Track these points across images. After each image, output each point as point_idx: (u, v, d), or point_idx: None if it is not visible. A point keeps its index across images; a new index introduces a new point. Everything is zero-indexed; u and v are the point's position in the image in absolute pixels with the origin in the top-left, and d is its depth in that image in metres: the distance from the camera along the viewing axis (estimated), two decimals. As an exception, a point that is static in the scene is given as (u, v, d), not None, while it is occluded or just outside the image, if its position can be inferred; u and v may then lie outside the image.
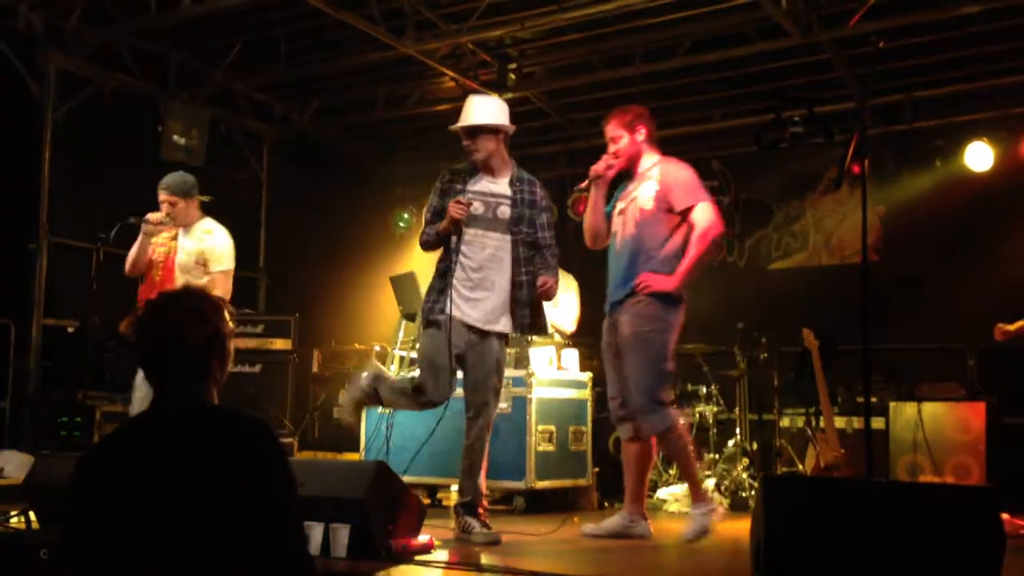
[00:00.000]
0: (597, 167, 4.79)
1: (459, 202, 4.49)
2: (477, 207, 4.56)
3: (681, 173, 4.75)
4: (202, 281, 5.18)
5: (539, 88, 8.91)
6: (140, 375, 5.08)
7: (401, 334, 6.77)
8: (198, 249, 5.27)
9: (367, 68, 8.70)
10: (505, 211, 4.58)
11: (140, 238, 5.24)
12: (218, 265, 5.26)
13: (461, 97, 9.02)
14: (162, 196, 5.28)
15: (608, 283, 4.83)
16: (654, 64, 8.17)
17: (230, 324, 2.38)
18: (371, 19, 7.51)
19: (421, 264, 9.85)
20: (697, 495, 4.72)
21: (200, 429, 2.22)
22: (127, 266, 5.31)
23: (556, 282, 4.56)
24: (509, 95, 8.73)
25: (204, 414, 2.27)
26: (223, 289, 5.22)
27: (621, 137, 4.78)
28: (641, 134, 4.79)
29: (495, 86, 8.68)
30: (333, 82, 9.16)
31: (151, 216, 5.21)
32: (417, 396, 4.59)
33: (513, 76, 8.73)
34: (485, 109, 4.63)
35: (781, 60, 8.04)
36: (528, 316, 4.60)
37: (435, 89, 9.21)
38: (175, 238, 5.29)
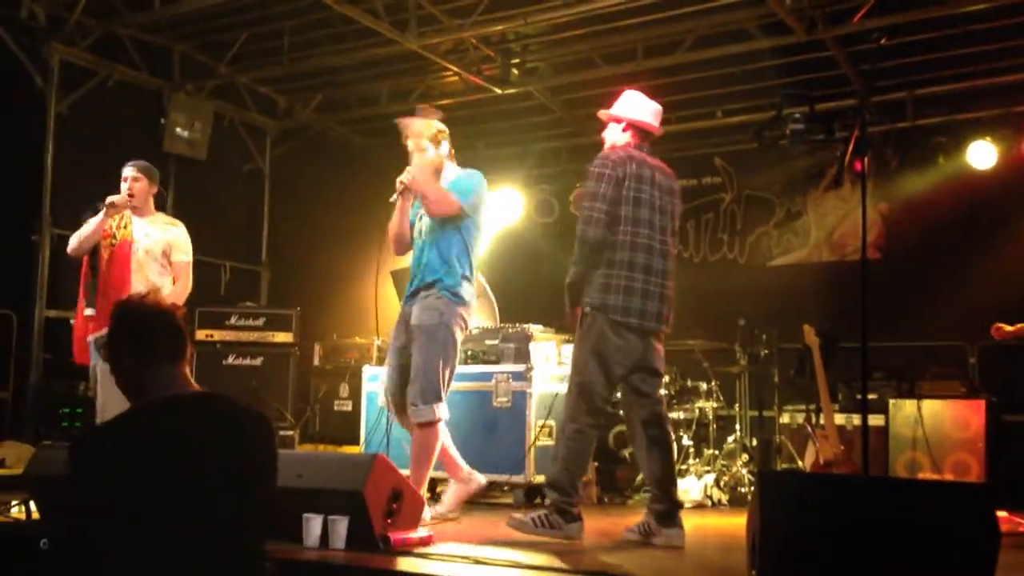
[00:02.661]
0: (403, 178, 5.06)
1: None
2: None
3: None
4: (161, 274, 5.29)
5: (542, 83, 8.90)
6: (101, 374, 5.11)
7: (402, 328, 6.76)
8: (165, 240, 5.37)
9: (370, 62, 8.71)
10: None
11: (99, 217, 5.27)
12: (183, 255, 5.41)
13: (464, 92, 9.14)
14: (129, 172, 5.38)
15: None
16: (657, 60, 8.16)
17: None
18: (374, 13, 7.52)
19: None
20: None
21: (215, 416, 2.39)
22: (74, 244, 5.34)
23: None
24: (511, 90, 8.76)
25: (215, 401, 2.42)
26: (187, 279, 5.40)
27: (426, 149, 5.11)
28: (444, 147, 5.14)
29: (498, 81, 8.69)
30: (336, 76, 9.17)
31: (115, 199, 5.27)
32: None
33: (516, 71, 8.72)
34: None
35: (784, 57, 8.04)
36: None
37: (438, 84, 9.21)
38: (126, 226, 5.32)
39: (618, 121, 4.67)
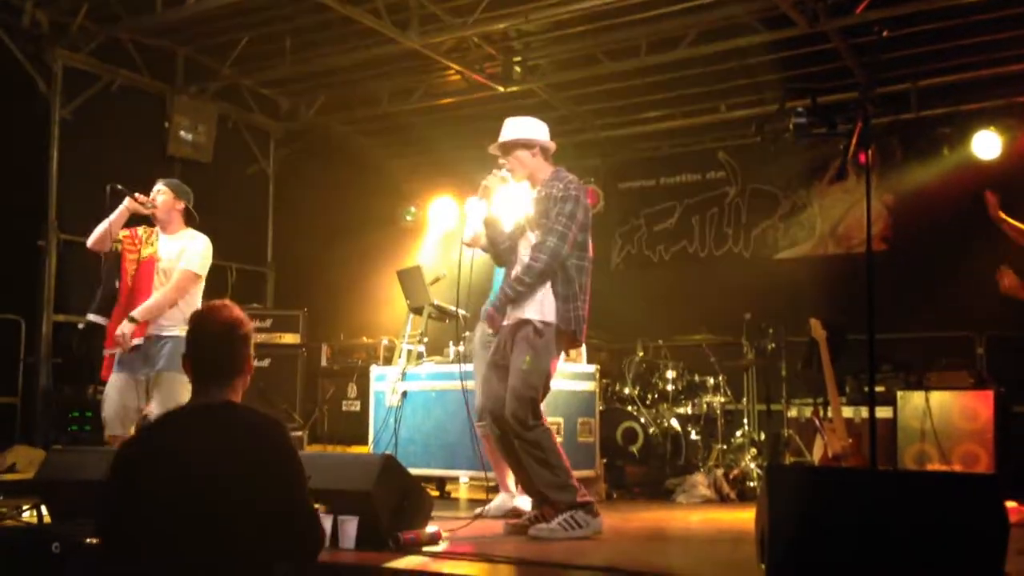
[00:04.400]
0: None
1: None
2: None
3: None
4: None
5: (544, 81, 8.90)
6: (112, 381, 5.04)
7: (408, 327, 6.79)
8: (180, 248, 5.18)
9: (373, 62, 8.71)
10: None
11: (120, 209, 5.12)
12: (188, 264, 5.08)
13: (467, 91, 9.14)
14: (156, 188, 5.29)
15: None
16: (659, 55, 8.16)
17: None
18: (376, 13, 7.52)
19: (427, 258, 9.91)
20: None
21: (229, 421, 2.63)
22: (93, 238, 5.11)
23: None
24: (514, 88, 8.76)
25: (233, 409, 2.69)
26: (180, 289, 5.03)
27: None
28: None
29: (500, 79, 8.69)
30: (339, 76, 9.18)
31: (139, 195, 5.17)
32: None
33: (518, 69, 8.73)
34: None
35: (787, 50, 8.03)
36: None
37: (441, 83, 9.22)
38: (152, 243, 5.21)
39: (529, 147, 4.54)
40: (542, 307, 4.36)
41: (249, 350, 2.81)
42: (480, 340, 5.37)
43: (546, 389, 4.43)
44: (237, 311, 2.83)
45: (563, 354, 6.42)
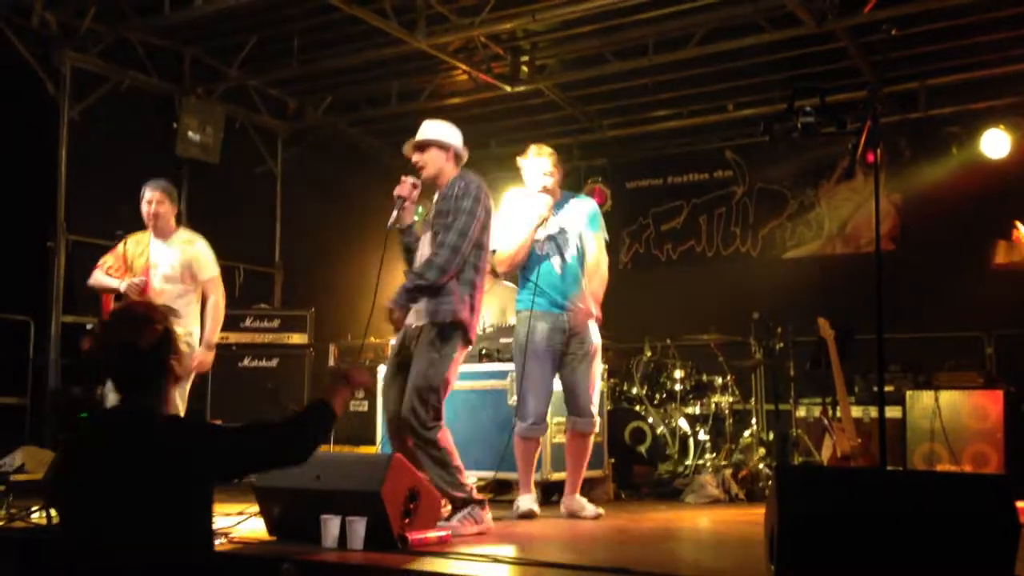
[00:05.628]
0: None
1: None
2: None
3: None
4: (182, 295, 5.30)
5: (551, 80, 8.90)
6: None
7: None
8: (183, 259, 5.34)
9: (380, 63, 8.72)
10: None
11: (112, 284, 5.33)
12: (209, 271, 5.41)
13: (474, 90, 9.15)
14: (153, 195, 5.36)
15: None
16: (667, 55, 8.14)
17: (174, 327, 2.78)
18: (383, 14, 7.53)
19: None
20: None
21: (123, 431, 2.62)
22: (91, 283, 5.49)
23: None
24: (521, 88, 8.76)
25: (132, 418, 2.65)
26: (218, 293, 5.43)
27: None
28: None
29: (508, 79, 8.69)
30: (346, 77, 9.19)
31: (130, 290, 5.23)
32: None
33: (525, 69, 8.73)
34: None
35: (795, 49, 8.01)
36: None
37: (448, 83, 9.22)
38: (142, 253, 5.35)
39: (444, 148, 4.66)
40: (447, 309, 4.43)
41: (148, 360, 2.66)
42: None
43: (447, 390, 4.45)
44: (130, 320, 2.72)
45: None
